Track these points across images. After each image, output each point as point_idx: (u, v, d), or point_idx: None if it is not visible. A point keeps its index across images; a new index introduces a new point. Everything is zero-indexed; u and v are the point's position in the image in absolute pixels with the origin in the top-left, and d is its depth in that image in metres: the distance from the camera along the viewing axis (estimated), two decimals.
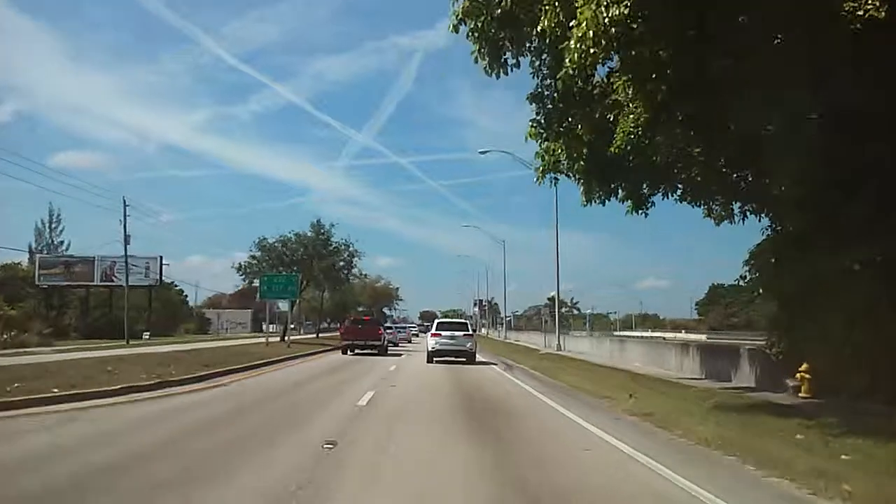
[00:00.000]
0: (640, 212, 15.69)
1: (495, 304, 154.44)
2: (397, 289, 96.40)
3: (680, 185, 15.87)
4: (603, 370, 23.19)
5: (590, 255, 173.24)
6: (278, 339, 40.36)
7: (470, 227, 75.29)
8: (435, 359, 27.55)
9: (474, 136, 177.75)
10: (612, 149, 13.54)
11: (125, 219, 47.60)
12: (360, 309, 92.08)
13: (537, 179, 15.78)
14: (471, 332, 29.11)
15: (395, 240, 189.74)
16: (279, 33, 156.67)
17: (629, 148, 13.56)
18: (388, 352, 34.47)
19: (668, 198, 16.15)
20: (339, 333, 37.70)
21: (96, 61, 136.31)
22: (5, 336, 34.77)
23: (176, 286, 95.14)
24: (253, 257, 43.74)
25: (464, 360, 27.26)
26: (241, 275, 44.78)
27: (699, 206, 16.47)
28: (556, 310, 42.99)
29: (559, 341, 39.88)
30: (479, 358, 28.81)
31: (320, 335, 62.46)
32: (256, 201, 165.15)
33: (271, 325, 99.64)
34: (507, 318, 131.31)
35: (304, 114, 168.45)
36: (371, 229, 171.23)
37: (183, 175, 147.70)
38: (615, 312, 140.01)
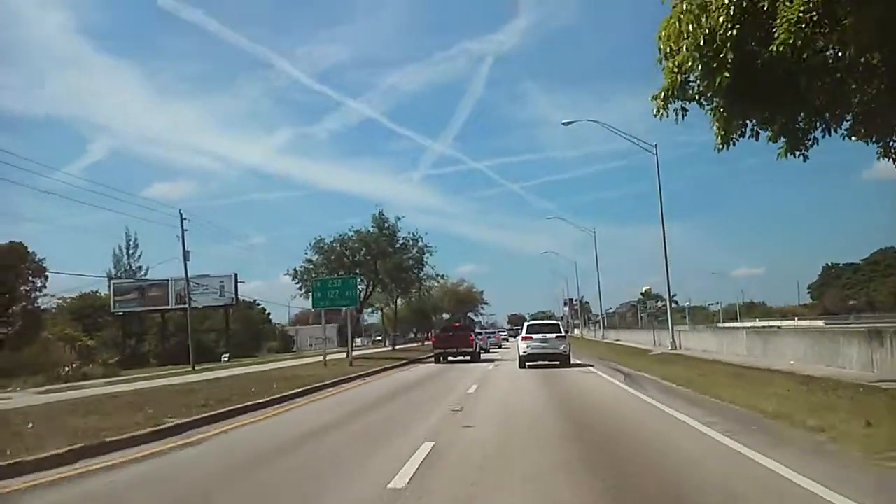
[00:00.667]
0: (797, 154, 12.50)
1: (586, 302, 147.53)
2: (482, 292, 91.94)
3: (850, 115, 12.26)
4: (761, 375, 16.60)
5: (678, 244, 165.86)
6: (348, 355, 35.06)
7: (554, 220, 70.28)
8: (528, 363, 26.18)
9: (548, 134, 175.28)
10: (774, 47, 10.04)
11: (182, 234, 43.70)
12: (446, 316, 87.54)
13: (658, 112, 12.31)
14: (563, 333, 27.59)
15: (478, 246, 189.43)
16: (349, 51, 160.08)
17: (799, 44, 9.92)
18: (481, 358, 33.72)
19: (830, 133, 12.46)
20: (431, 343, 37.05)
21: (179, 92, 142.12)
22: (67, 369, 31.98)
23: (258, 304, 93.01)
24: (309, 261, 38.82)
25: (558, 363, 25.77)
26: (297, 282, 39.36)
27: (873, 142, 12.49)
28: (669, 303, 36.37)
29: (673, 338, 33.27)
30: (581, 362, 25.88)
31: (398, 347, 57.42)
32: (340, 217, 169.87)
33: (357, 339, 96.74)
34: (601, 316, 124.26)
35: (380, 127, 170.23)
36: (453, 236, 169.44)
37: (268, 197, 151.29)
38: (717, 303, 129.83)
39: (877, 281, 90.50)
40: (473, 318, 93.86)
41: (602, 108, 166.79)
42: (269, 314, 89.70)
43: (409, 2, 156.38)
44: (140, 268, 69.80)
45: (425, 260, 40.78)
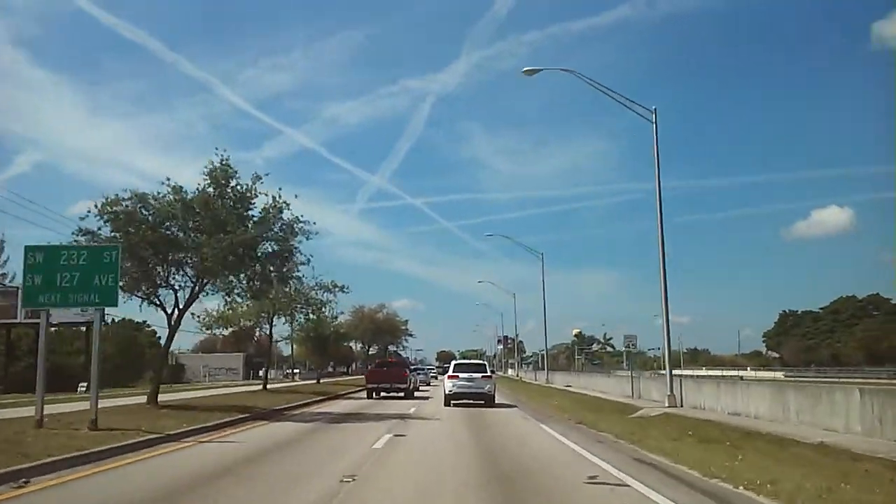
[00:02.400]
0: None
1: (520, 341, 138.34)
2: (406, 322, 79.12)
3: None
4: None
5: (599, 294, 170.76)
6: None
7: (496, 241, 62.14)
8: (453, 402, 26.07)
9: (487, 176, 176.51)
10: None
11: None
12: (359, 347, 76.08)
13: None
14: (489, 374, 27.72)
15: (412, 280, 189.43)
16: (292, 80, 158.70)
17: None
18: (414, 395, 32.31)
19: None
20: (365, 377, 35.91)
21: (116, 112, 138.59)
22: None
23: (148, 326, 79.05)
24: (88, 233, 18.70)
25: (483, 402, 25.91)
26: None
27: None
28: (667, 344, 24.00)
29: (673, 390, 22.02)
30: (545, 429, 17.24)
31: (303, 381, 45.25)
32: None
33: (265, 371, 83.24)
34: (544, 356, 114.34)
35: (319, 158, 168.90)
36: (387, 271, 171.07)
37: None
38: (656, 348, 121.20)
39: (839, 331, 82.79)
40: (392, 349, 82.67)
41: (538, 152, 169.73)
42: (158, 337, 75.40)
43: (354, 36, 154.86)
44: (5, 274, 55.53)
45: (296, 246, 21.89)
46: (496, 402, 26.30)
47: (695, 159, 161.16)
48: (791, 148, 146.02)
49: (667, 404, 21.27)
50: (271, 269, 21.32)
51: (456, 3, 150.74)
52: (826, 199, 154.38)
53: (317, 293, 33.23)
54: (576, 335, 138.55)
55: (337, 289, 33.17)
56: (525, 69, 25.42)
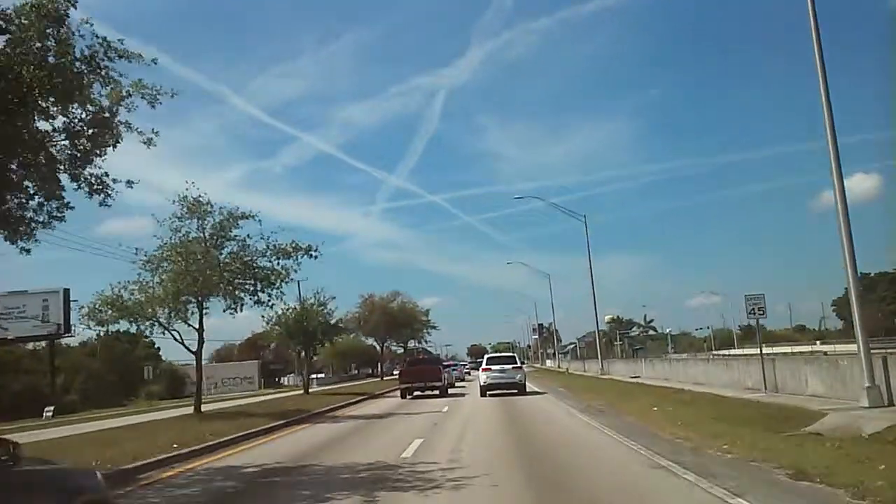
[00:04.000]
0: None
1: (555, 329, 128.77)
2: (426, 312, 66.96)
3: None
4: None
5: (630, 277, 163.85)
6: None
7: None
8: (488, 392, 27.52)
9: (505, 167, 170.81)
10: None
11: None
12: (369, 342, 68.40)
13: None
14: (519, 364, 29.38)
15: (438, 278, 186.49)
16: (303, 86, 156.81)
17: None
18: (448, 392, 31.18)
19: None
20: (398, 376, 35.87)
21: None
22: None
23: (145, 337, 71.30)
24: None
25: (515, 391, 27.38)
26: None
27: None
28: (853, 283, 14.35)
29: (873, 377, 12.80)
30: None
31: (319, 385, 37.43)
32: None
33: (288, 377, 74.12)
34: (567, 346, 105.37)
35: (337, 161, 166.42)
36: (414, 270, 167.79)
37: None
38: (707, 327, 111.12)
39: None
40: (414, 345, 73.59)
41: (556, 138, 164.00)
42: (158, 348, 67.95)
43: (360, 37, 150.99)
44: None
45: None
46: (546, 406, 23.62)
47: (714, 134, 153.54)
48: (810, 118, 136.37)
49: (867, 403, 12.18)
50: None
51: None
52: (851, 167, 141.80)
53: (270, 260, 23.25)
54: (610, 320, 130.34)
55: (300, 252, 22.96)
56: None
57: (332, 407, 25.95)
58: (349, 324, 55.06)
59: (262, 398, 37.11)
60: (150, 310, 21.90)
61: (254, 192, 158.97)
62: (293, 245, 23.72)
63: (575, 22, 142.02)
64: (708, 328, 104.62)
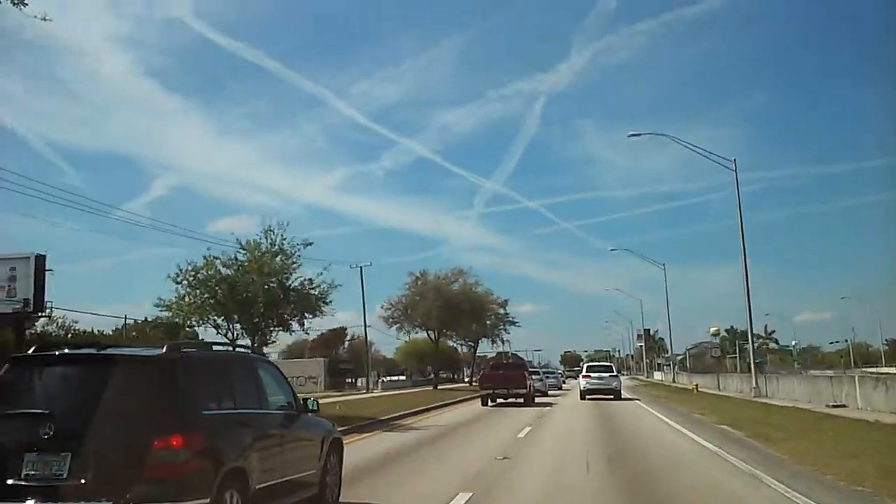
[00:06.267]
0: None
1: (660, 339, 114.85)
2: (505, 303, 51.98)
3: None
4: None
5: (731, 290, 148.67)
6: None
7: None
8: (587, 396, 30.44)
9: (604, 172, 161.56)
10: None
11: None
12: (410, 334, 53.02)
13: None
14: (615, 374, 33.45)
15: (534, 284, 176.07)
16: (404, 91, 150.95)
17: None
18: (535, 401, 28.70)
19: None
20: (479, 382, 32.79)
21: (240, 132, 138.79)
22: None
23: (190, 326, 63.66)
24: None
25: (612, 396, 30.03)
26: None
27: None
28: None
29: None
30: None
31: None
32: (397, 254, 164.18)
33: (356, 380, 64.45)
34: (679, 356, 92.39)
35: (435, 166, 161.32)
36: (509, 275, 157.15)
37: (328, 234, 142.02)
38: (836, 342, 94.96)
39: None
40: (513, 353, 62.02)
41: (658, 144, 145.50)
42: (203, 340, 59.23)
43: (459, 42, 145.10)
44: None
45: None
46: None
47: (821, 141, 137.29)
48: None
49: None
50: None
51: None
52: None
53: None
54: (714, 332, 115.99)
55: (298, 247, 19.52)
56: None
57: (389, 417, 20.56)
58: (394, 310, 44.09)
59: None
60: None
61: (355, 195, 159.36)
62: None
63: (679, 27, 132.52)
64: (846, 341, 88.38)
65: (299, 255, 20.95)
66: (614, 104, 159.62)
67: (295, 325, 21.52)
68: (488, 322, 49.54)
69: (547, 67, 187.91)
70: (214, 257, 19.91)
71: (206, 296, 19.52)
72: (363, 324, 58.29)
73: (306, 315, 21.26)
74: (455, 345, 77.14)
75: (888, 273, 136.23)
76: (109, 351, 5.71)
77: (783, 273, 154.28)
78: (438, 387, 46.85)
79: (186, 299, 19.52)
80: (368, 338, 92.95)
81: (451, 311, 42.83)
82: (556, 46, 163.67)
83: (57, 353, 5.51)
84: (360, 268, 56.53)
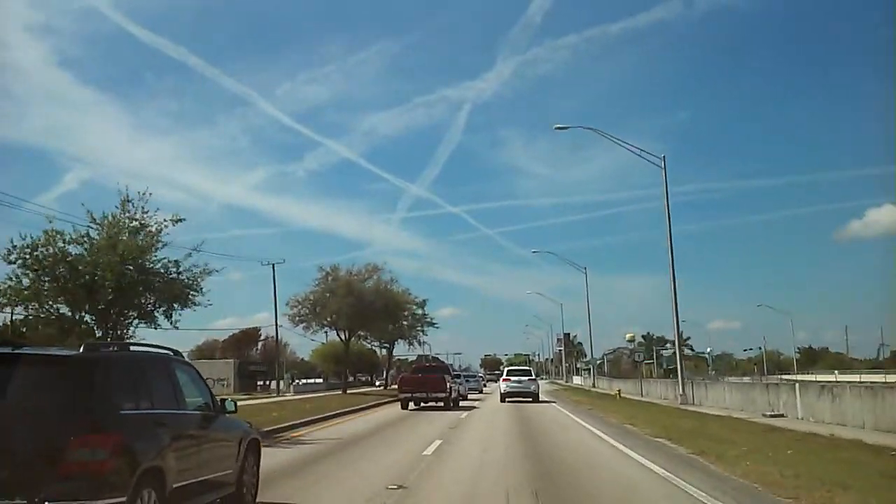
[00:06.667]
0: None
1: (579, 343, 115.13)
2: (423, 302, 49.64)
3: None
4: None
5: (646, 298, 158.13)
6: None
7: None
8: (507, 399, 31.63)
9: (527, 182, 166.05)
10: None
11: None
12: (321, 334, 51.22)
13: None
14: (534, 377, 34.42)
15: (456, 289, 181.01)
16: (329, 93, 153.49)
17: None
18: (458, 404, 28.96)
19: None
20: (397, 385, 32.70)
21: (159, 128, 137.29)
22: None
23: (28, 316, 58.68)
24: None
25: (530, 399, 31.58)
26: None
27: None
28: None
29: None
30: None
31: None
32: (321, 257, 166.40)
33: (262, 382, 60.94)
34: (598, 361, 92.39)
35: (359, 169, 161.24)
36: (431, 279, 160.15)
37: (248, 234, 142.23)
38: (750, 349, 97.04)
39: None
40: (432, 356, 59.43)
41: (576, 156, 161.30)
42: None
43: (389, 47, 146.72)
44: None
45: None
46: None
47: (739, 158, 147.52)
48: (839, 146, 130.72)
49: None
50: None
51: (489, 10, 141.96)
52: (880, 199, 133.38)
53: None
54: (630, 338, 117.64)
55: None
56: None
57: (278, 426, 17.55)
58: (301, 308, 40.58)
59: None
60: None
61: (277, 195, 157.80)
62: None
63: (603, 41, 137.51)
64: (760, 348, 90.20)
65: (165, 234, 17.65)
66: (538, 115, 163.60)
67: (162, 319, 18.02)
68: (405, 323, 46.85)
69: (473, 76, 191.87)
70: (57, 232, 16.09)
71: (45, 279, 15.87)
72: (275, 323, 54.54)
73: (174, 306, 17.88)
74: (373, 347, 73.95)
75: (800, 282, 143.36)
76: (25, 350, 5.61)
77: (696, 281, 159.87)
78: (349, 391, 43.35)
79: (24, 282, 15.81)
80: (284, 339, 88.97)
81: (362, 309, 39.27)
82: (482, 56, 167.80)
83: None
84: (273, 265, 53.23)
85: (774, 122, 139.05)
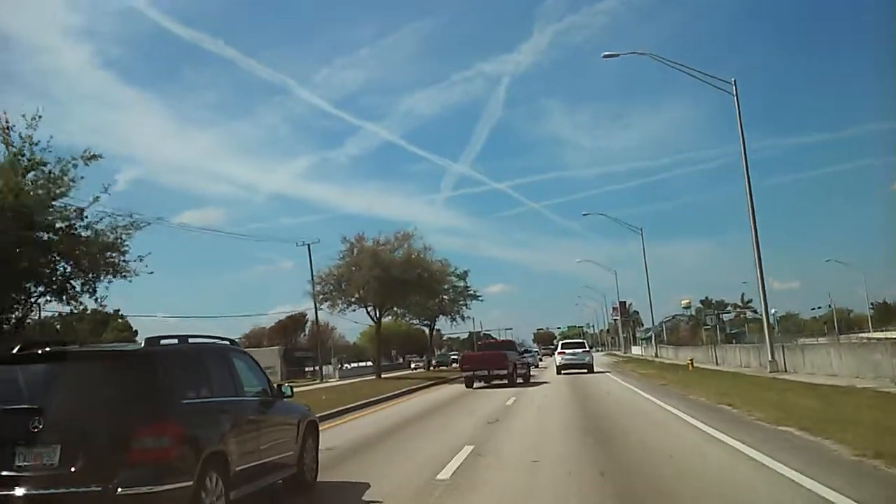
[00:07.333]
0: None
1: (635, 312, 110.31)
2: (464, 273, 45.89)
3: None
4: None
5: (698, 263, 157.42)
6: None
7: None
8: (562, 371, 32.79)
9: (570, 152, 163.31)
10: None
11: None
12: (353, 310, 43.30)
13: None
14: (588, 349, 35.65)
15: (504, 265, 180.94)
16: (366, 77, 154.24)
17: None
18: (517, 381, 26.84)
19: None
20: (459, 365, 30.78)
21: (200, 122, 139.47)
22: None
23: (121, 316, 57.89)
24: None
25: (585, 370, 32.63)
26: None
27: None
28: None
29: None
30: None
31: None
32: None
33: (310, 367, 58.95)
34: (656, 328, 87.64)
35: (400, 151, 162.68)
36: (479, 257, 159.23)
37: (293, 222, 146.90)
38: (818, 307, 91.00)
39: None
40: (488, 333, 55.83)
41: (618, 124, 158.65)
42: (136, 331, 54.57)
43: (421, 26, 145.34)
44: None
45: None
46: None
47: (791, 115, 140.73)
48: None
49: None
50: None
51: None
52: None
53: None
54: (686, 305, 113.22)
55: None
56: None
57: None
58: (325, 285, 37.39)
59: None
60: None
61: (320, 182, 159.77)
62: None
63: (641, 3, 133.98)
64: (829, 307, 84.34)
65: (74, 178, 14.03)
66: (578, 84, 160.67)
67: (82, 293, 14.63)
68: (445, 297, 42.98)
69: (510, 48, 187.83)
70: None
71: None
72: (314, 306, 51.71)
73: (93, 274, 14.35)
74: (420, 325, 70.61)
75: (870, 238, 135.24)
76: (92, 347, 6.58)
77: (749, 240, 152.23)
78: (382, 375, 38.83)
79: None
80: (331, 324, 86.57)
81: (391, 282, 34.72)
82: (517, 27, 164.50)
83: (41, 351, 5.62)
84: (308, 245, 50.47)
85: (823, 77, 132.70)
